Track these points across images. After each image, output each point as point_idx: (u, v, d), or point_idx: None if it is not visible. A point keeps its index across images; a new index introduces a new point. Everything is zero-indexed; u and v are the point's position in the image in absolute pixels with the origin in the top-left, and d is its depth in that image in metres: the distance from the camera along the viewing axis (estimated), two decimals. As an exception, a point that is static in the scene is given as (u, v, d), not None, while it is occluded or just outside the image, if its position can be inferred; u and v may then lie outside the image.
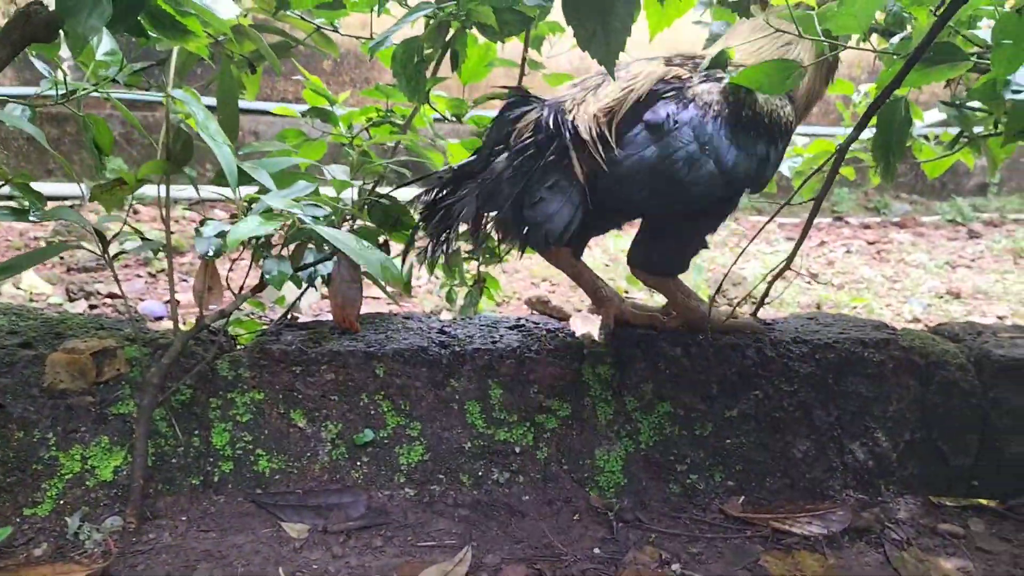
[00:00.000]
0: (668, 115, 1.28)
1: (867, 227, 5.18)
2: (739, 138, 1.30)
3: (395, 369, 1.47)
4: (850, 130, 1.35)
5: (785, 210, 1.50)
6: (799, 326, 1.63)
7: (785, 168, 2.54)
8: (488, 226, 1.34)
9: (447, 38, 1.46)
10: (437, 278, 2.64)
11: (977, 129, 1.72)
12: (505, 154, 1.27)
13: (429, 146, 1.73)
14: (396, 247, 1.64)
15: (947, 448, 1.54)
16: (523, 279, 3.32)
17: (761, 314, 1.74)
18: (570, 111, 1.29)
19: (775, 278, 1.57)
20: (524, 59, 1.55)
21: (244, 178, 1.32)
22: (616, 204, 1.31)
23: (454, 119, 1.63)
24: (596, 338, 1.58)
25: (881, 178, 1.32)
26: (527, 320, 1.65)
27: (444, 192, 1.32)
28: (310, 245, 1.51)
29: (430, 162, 1.73)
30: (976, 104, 1.84)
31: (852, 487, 1.53)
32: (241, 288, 1.55)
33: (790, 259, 1.51)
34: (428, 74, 1.51)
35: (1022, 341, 1.60)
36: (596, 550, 1.34)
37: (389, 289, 2.80)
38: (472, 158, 1.35)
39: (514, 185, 1.24)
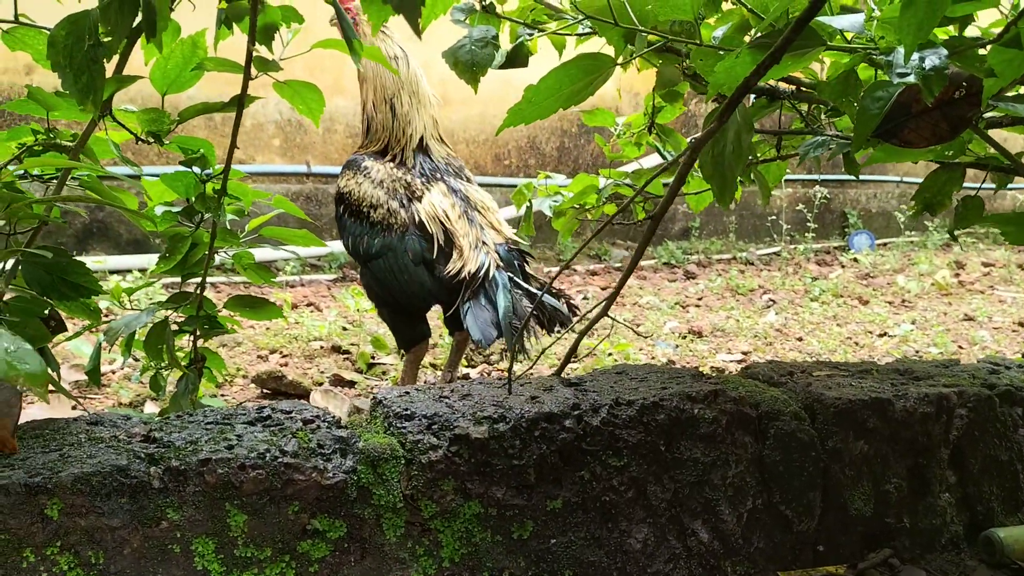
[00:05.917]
0: None
1: (594, 273, 5.23)
2: None
3: (77, 505, 0.97)
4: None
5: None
6: (613, 383, 1.35)
7: (546, 207, 2.31)
8: None
9: (134, 20, 1.01)
10: (137, 360, 2.07)
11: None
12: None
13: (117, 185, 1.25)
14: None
15: (790, 512, 1.32)
16: (247, 352, 2.80)
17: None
18: None
19: (589, 327, 1.28)
20: (250, 55, 1.14)
21: None
22: None
23: (151, 139, 1.17)
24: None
25: (717, 200, 1.08)
26: (272, 409, 1.21)
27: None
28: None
29: (118, 204, 1.25)
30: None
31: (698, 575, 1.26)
32: None
33: (609, 302, 1.23)
34: (109, 71, 1.06)
35: (844, 380, 1.45)
36: None
37: (64, 382, 2.17)
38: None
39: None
